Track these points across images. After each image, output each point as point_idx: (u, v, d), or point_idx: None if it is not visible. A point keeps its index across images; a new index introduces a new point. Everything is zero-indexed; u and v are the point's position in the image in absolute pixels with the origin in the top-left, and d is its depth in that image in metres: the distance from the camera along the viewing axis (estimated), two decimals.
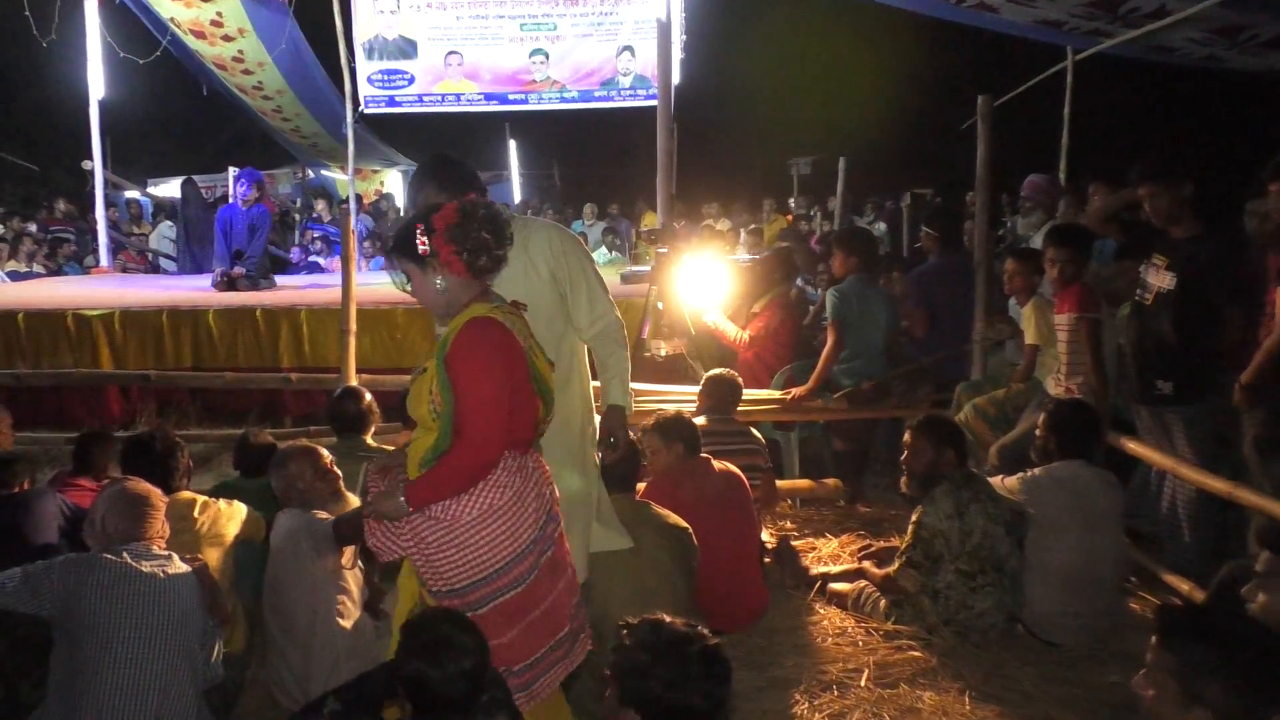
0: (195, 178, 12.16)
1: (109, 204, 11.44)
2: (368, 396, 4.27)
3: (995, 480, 3.88)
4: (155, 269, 12.21)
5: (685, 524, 3.43)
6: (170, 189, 17.99)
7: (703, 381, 4.71)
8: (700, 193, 12.82)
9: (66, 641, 2.69)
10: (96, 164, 10.59)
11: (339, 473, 3.52)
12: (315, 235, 12.27)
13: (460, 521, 2.43)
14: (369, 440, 4.21)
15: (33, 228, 12.48)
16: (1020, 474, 3.85)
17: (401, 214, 14.85)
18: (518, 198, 17.48)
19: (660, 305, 5.85)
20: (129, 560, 2.75)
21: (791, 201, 13.09)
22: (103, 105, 10.44)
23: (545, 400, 2.57)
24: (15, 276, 10.52)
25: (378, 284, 8.53)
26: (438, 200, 2.85)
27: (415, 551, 2.48)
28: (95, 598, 2.66)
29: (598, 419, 3.22)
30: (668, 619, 2.06)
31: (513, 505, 2.46)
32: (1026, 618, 3.70)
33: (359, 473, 3.79)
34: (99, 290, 8.40)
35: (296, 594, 3.17)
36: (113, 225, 11.66)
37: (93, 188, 10.80)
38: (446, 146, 18.88)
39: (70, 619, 2.68)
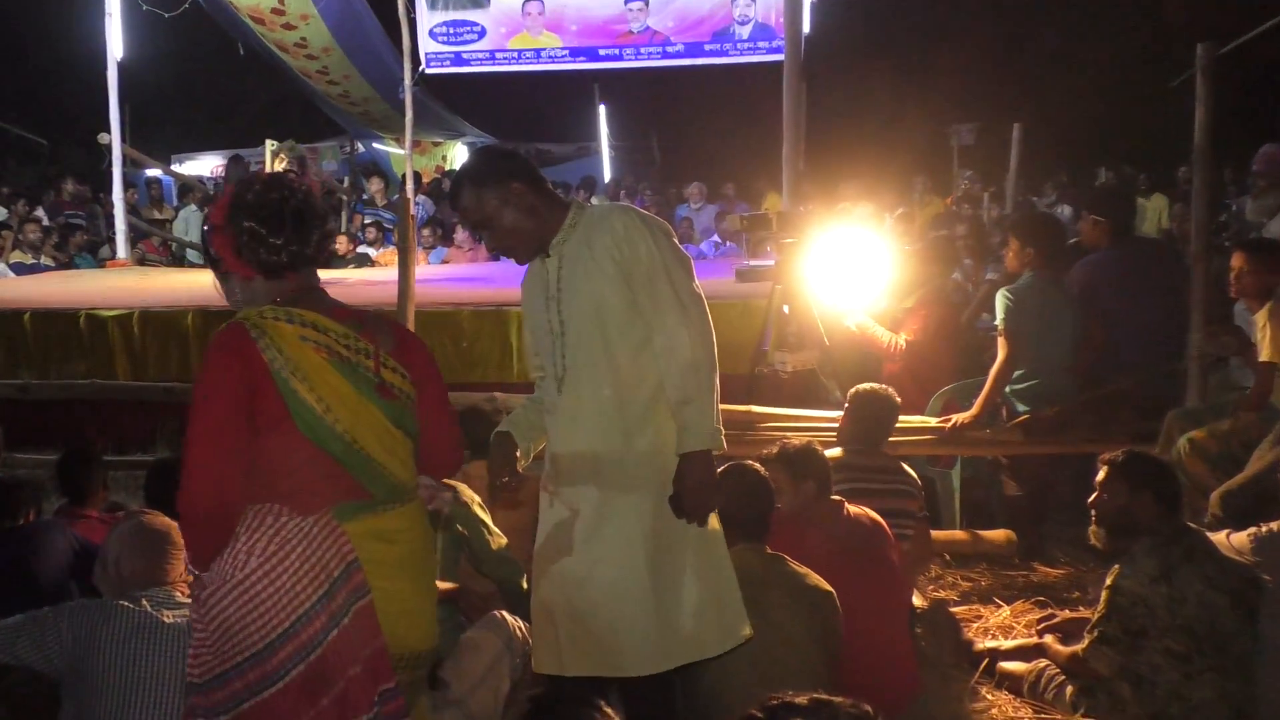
0: (236, 154, 12.54)
1: (127, 184, 11.91)
2: None
3: (1218, 536, 3.76)
4: (180, 261, 12.66)
5: (828, 587, 3.40)
6: (197, 166, 18.72)
7: (849, 398, 4.66)
8: (836, 169, 12.70)
9: (75, 703, 2.79)
10: (114, 137, 11.03)
11: None
12: (366, 221, 12.58)
13: (203, 596, 2.38)
14: None
15: (41, 212, 13.10)
16: (1252, 529, 3.73)
17: None
18: (608, 174, 17.64)
19: (785, 309, 5.83)
20: (149, 609, 2.85)
21: (968, 176, 12.85)
22: (122, 68, 10.90)
23: (318, 439, 2.38)
24: (20, 269, 11.04)
25: (440, 280, 8.71)
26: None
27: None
28: (110, 652, 2.76)
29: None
30: (834, 700, 2.00)
31: (256, 584, 2.33)
32: (1263, 714, 3.56)
33: None
34: (115, 286, 8.75)
35: None
36: (130, 209, 12.12)
37: (109, 164, 11.26)
38: (522, 113, 19.28)
39: (80, 676, 2.78)
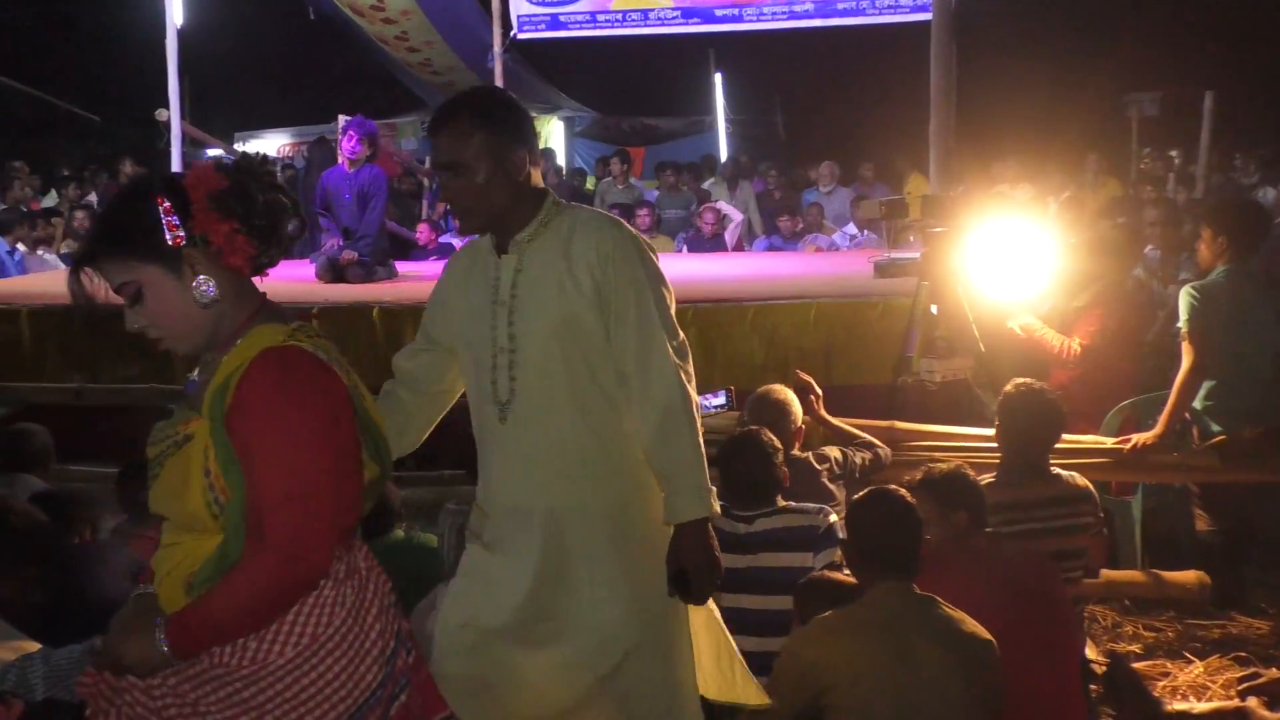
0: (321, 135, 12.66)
1: (186, 166, 12.23)
2: None
3: None
4: None
5: (988, 635, 3.36)
6: (263, 145, 19.19)
7: (1001, 401, 4.57)
8: (991, 145, 12.57)
9: None
10: (173, 113, 11.35)
11: None
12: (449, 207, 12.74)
13: (268, 669, 2.22)
14: None
15: (93, 197, 13.55)
16: None
17: (564, 176, 15.27)
18: (724, 153, 17.65)
19: (934, 309, 5.79)
20: None
21: (1149, 153, 12.58)
22: (181, 36, 11.22)
23: (382, 464, 2.44)
24: (71, 260, 11.43)
25: None
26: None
27: None
28: None
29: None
30: None
31: (349, 633, 2.29)
32: None
33: None
34: None
35: None
36: None
37: (167, 143, 11.59)
38: (627, 83, 19.35)
39: None
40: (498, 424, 2.92)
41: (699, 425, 2.88)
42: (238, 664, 2.22)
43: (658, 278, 2.91)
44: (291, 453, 2.20)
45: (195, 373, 2.40)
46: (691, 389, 2.88)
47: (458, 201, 2.93)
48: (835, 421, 4.96)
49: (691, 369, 2.91)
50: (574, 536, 2.90)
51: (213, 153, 16.04)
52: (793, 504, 4.08)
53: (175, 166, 11.43)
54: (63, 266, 11.06)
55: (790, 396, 4.63)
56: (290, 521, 2.19)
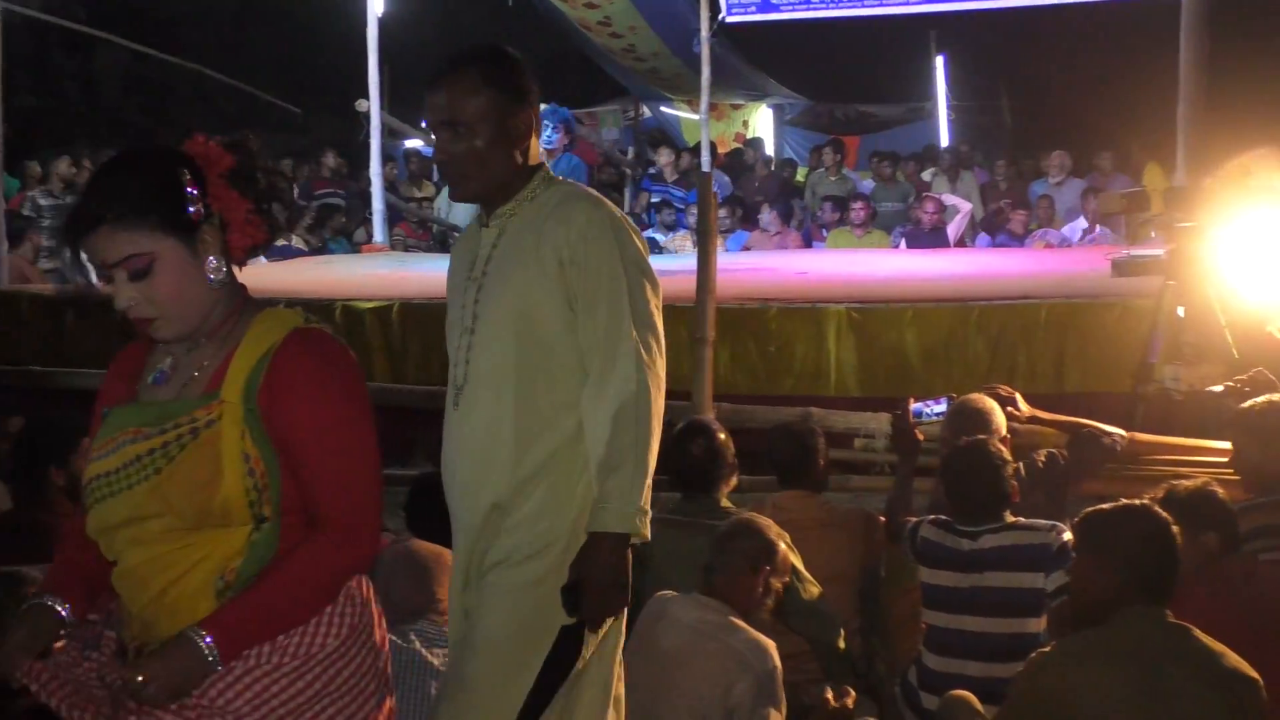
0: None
1: (385, 158, 12.58)
2: (722, 436, 4.43)
3: None
4: (443, 246, 13.28)
5: (1253, 672, 3.24)
6: None
7: (1242, 417, 4.35)
8: (1244, 131, 12.03)
9: None
10: (373, 104, 11.72)
11: None
12: (654, 199, 12.82)
13: (314, 659, 2.24)
14: (724, 500, 4.37)
15: (294, 191, 14.08)
16: None
17: (773, 167, 15.23)
18: (946, 140, 17.38)
19: (1180, 311, 5.61)
20: (418, 646, 3.03)
21: None
22: (381, 25, 11.57)
23: None
24: (272, 253, 11.90)
25: (742, 270, 8.80)
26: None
27: None
28: None
29: None
30: None
31: (369, 623, 2.36)
32: None
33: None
34: (373, 275, 9.28)
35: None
36: (388, 186, 12.82)
37: (366, 135, 11.97)
38: (842, 69, 19.14)
39: None
40: (452, 409, 2.84)
41: (655, 439, 2.73)
42: (279, 661, 2.21)
43: (637, 264, 2.76)
44: (344, 433, 2.27)
45: (167, 362, 2.35)
46: (659, 396, 2.73)
47: (453, 165, 2.83)
48: (1049, 417, 4.87)
49: (663, 377, 2.75)
50: (491, 537, 2.78)
51: (411, 144, 16.51)
52: (1022, 520, 4.00)
53: (374, 159, 11.82)
54: (264, 261, 11.54)
55: (991, 405, 4.56)
56: (348, 503, 2.26)
